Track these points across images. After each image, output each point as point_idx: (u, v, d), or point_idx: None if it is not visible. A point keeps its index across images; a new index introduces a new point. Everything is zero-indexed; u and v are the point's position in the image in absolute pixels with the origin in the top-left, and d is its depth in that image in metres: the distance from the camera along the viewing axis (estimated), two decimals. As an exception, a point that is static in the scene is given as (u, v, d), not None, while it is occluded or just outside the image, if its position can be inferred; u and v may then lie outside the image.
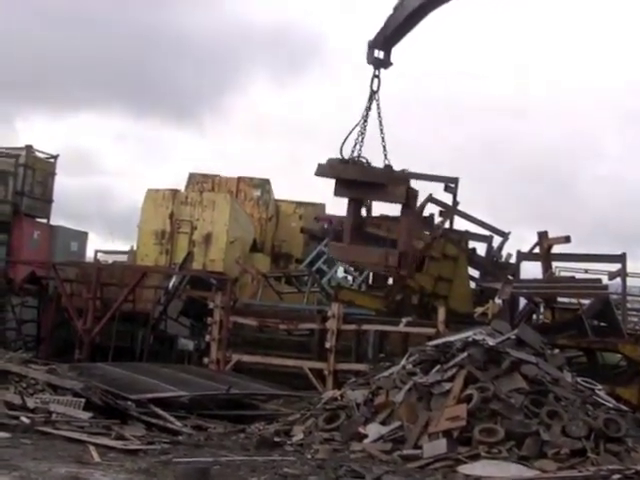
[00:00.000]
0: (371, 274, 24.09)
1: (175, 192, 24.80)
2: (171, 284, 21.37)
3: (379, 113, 21.02)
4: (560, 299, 20.76)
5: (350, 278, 24.29)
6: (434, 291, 20.04)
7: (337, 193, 21.11)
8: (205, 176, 26.70)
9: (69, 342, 20.03)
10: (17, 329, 21.27)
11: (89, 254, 25.48)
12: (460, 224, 25.68)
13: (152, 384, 14.69)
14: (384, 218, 23.23)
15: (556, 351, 14.21)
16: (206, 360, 18.45)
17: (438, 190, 25.98)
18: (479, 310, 22.21)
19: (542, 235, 20.80)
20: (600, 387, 13.54)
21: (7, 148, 24.06)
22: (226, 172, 26.94)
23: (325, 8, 69.10)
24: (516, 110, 59.98)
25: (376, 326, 18.23)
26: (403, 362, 13.52)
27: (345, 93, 21.20)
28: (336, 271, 24.40)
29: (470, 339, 13.14)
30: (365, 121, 20.71)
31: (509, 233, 26.81)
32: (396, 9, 20.45)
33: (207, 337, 18.73)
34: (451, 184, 25.77)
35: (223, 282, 20.13)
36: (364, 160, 20.42)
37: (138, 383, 14.66)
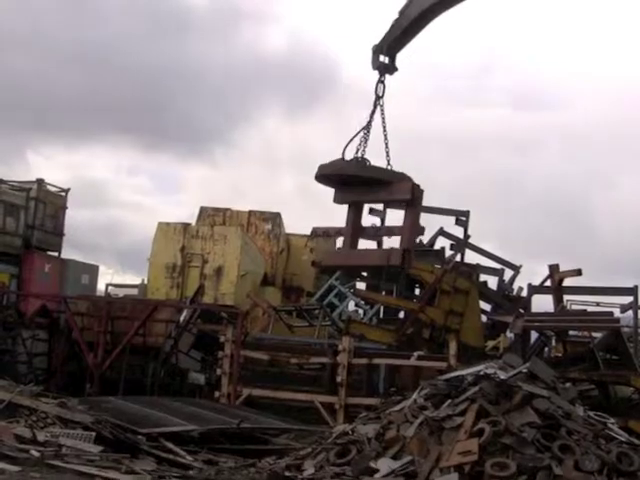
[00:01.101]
0: (382, 308, 24.07)
1: (186, 225, 24.90)
2: (182, 318, 21.35)
3: (383, 118, 21.08)
4: (572, 332, 20.72)
5: (361, 312, 24.24)
6: (445, 324, 19.99)
7: (337, 200, 21.04)
8: (216, 209, 26.79)
9: (80, 375, 20.01)
10: (28, 362, 21.26)
11: (100, 287, 25.60)
12: (471, 257, 25.74)
13: (163, 418, 14.64)
14: None
15: (568, 384, 14.15)
16: (217, 394, 18.41)
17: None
18: (490, 344, 22.18)
19: (553, 268, 20.79)
20: (612, 420, 13.42)
21: (19, 182, 24.21)
22: (238, 205, 27.14)
23: (338, 42, 69.67)
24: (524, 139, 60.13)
25: (387, 360, 18.18)
26: (414, 396, 13.44)
27: (359, 124, 21.27)
28: (347, 305, 24.37)
29: (482, 373, 13.07)
30: (369, 125, 20.73)
31: (520, 266, 26.86)
32: (401, 13, 20.58)
33: (218, 371, 18.70)
34: (462, 217, 25.82)
35: (234, 315, 20.11)
36: (367, 162, 20.44)
37: (149, 417, 14.61)
